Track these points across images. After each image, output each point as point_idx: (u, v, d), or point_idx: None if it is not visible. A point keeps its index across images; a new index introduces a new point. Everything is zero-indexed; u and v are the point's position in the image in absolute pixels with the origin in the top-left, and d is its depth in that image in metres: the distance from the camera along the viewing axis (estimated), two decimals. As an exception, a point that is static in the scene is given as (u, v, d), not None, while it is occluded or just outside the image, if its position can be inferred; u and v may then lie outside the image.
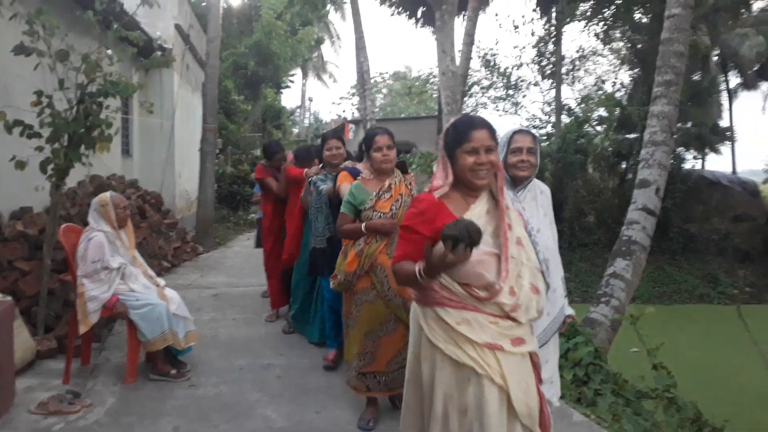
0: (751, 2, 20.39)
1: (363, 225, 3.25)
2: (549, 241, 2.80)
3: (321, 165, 4.56)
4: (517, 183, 2.77)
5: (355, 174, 3.82)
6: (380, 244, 3.24)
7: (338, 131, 25.43)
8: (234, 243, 11.64)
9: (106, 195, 4.10)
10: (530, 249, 2.19)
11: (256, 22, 23.32)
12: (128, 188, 8.58)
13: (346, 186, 3.73)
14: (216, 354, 4.65)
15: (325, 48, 36.77)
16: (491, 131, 2.15)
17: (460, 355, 2.02)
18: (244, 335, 5.21)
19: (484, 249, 1.99)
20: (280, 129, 28.72)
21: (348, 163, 4.24)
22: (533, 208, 2.79)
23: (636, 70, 20.76)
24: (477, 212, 2.12)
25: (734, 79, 24.85)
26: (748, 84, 24.33)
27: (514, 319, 2.05)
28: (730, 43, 20.02)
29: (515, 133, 2.80)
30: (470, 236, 1.82)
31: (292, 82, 29.53)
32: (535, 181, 2.87)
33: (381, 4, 18.06)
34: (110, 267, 3.95)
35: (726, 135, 22.97)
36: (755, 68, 22.36)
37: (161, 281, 4.34)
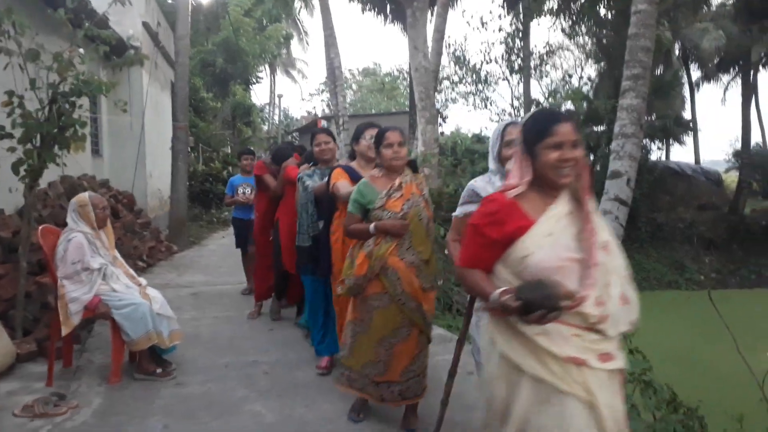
0: (710, -3, 20.94)
1: (372, 225, 3.08)
2: None
3: (312, 163, 4.48)
4: None
5: (350, 171, 3.69)
6: (390, 245, 3.05)
7: (311, 128, 25.22)
8: (208, 241, 11.55)
9: (85, 195, 4.05)
10: (618, 255, 1.99)
11: (223, 20, 23.11)
12: (100, 188, 8.43)
13: (344, 183, 3.59)
14: (200, 352, 4.64)
15: (294, 44, 36.57)
16: (575, 125, 1.97)
17: (539, 371, 1.84)
18: (227, 333, 5.21)
19: (564, 255, 1.87)
20: (250, 126, 28.52)
21: (343, 161, 4.08)
22: None
23: (601, 64, 21.13)
24: (557, 213, 1.95)
25: (695, 72, 25.52)
26: (709, 76, 24.97)
27: (600, 332, 1.86)
28: (691, 37, 20.50)
29: (508, 125, 2.72)
30: (549, 307, 1.69)
31: (260, 78, 29.34)
32: None
33: (350, 1, 17.99)
34: (91, 268, 3.91)
35: (689, 126, 23.55)
36: (715, 61, 22.93)
37: (143, 281, 4.31)
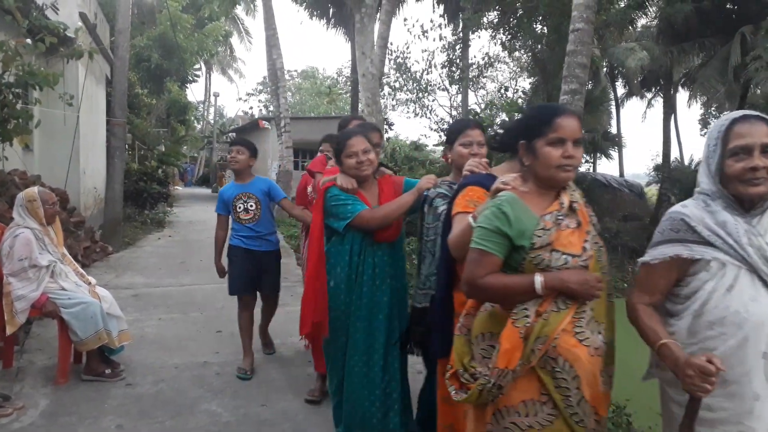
0: (636, 19, 22.22)
1: (538, 279, 1.72)
2: None
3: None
4: (747, 204, 1.71)
5: (488, 185, 2.08)
6: (566, 316, 1.74)
7: (249, 128, 24.63)
8: (144, 242, 11.21)
9: (34, 190, 3.93)
10: None
11: (160, 14, 22.51)
12: (32, 185, 8.08)
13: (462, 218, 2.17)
14: (147, 353, 4.56)
15: (233, 43, 36.02)
16: None
17: None
18: (174, 334, 5.13)
19: None
20: (185, 124, 27.88)
21: (476, 170, 2.40)
22: None
23: (535, 78, 21.97)
24: None
25: (620, 89, 26.94)
26: (633, 93, 26.44)
27: None
28: (618, 55, 21.63)
29: (736, 121, 1.72)
30: None
31: (197, 76, 28.70)
32: None
33: (298, 4, 17.97)
34: (39, 265, 3.80)
35: (615, 141, 24.82)
36: (639, 79, 24.29)
37: (92, 279, 4.21)
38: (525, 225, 1.75)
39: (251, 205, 4.21)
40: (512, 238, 1.75)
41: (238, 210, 4.23)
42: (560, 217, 1.78)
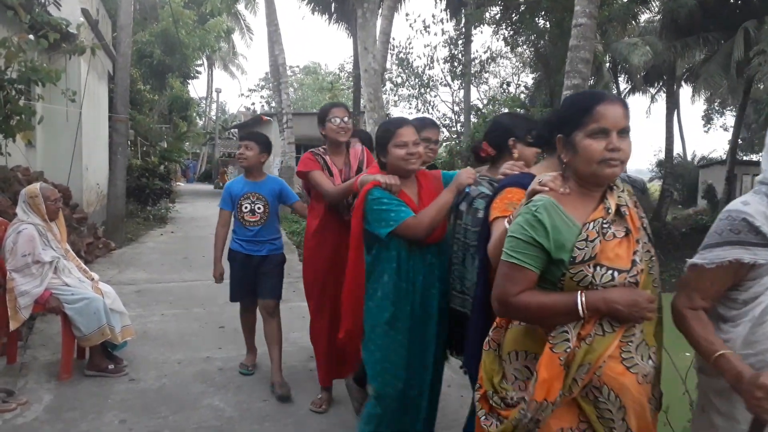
0: (639, 14, 22.16)
1: (580, 297, 1.51)
2: None
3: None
4: None
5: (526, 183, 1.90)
6: (612, 340, 1.54)
7: (251, 124, 24.61)
8: (146, 239, 11.23)
9: (36, 187, 3.95)
10: None
11: (162, 10, 22.53)
12: (35, 181, 8.10)
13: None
14: (150, 349, 4.58)
15: (234, 39, 36.00)
16: None
17: None
18: (177, 330, 5.15)
19: None
20: (187, 120, 27.88)
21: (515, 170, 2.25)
22: None
23: (537, 73, 21.92)
24: None
25: (623, 84, 26.89)
26: (636, 88, 26.38)
27: None
28: (621, 50, 21.59)
29: None
30: None
31: (199, 72, 28.71)
32: None
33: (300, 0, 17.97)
34: (42, 261, 3.81)
35: (617, 136, 24.70)
36: (642, 74, 24.24)
37: (95, 275, 4.23)
38: (564, 236, 1.52)
39: (259, 207, 3.90)
40: (549, 251, 1.52)
41: (244, 210, 3.91)
42: (606, 225, 1.54)
